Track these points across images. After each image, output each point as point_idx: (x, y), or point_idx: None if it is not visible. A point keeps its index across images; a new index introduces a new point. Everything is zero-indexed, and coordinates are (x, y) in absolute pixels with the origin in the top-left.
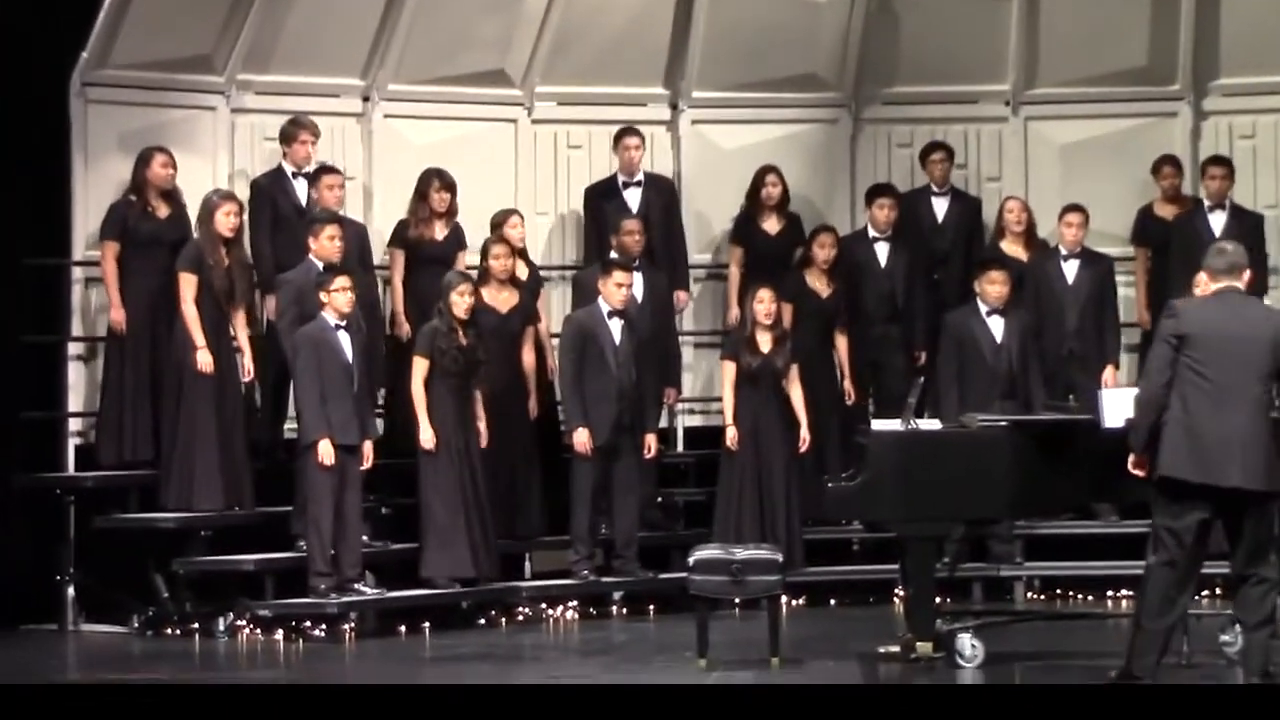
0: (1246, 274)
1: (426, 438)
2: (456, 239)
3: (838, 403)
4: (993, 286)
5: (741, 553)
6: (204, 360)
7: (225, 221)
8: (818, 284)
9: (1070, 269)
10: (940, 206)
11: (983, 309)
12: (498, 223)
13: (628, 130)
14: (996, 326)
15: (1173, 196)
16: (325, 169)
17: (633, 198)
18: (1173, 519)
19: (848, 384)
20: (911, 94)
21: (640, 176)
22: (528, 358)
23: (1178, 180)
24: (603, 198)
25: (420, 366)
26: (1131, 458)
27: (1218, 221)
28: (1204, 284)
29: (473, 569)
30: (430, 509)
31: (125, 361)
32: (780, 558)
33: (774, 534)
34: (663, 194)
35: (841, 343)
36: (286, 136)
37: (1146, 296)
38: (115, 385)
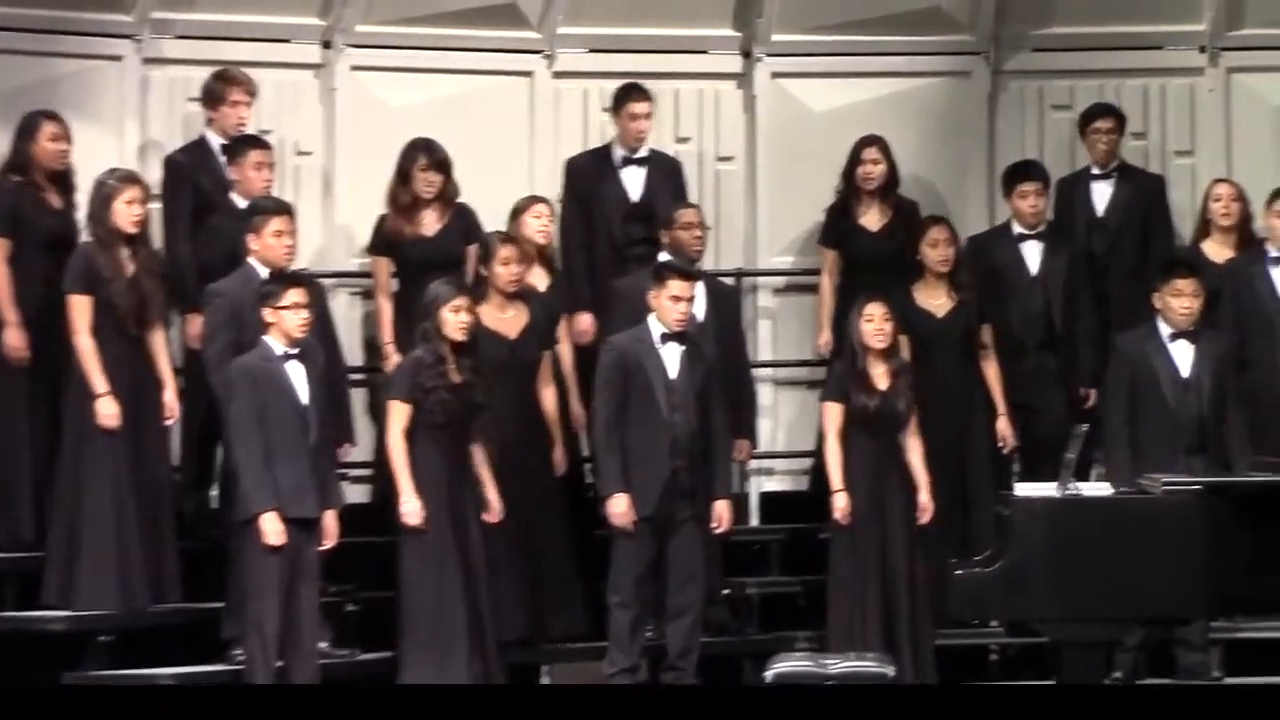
0: None
1: (409, 510)
2: (460, 231)
3: (974, 455)
4: (1179, 300)
5: (839, 664)
6: (106, 412)
7: (126, 214)
8: (931, 299)
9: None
10: (1103, 193)
11: (1164, 331)
12: (518, 211)
13: (634, 90)
14: (1184, 355)
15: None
16: (249, 141)
17: (632, 180)
18: None
19: (1003, 425)
20: (1072, 37)
21: (646, 152)
22: (547, 397)
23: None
24: (590, 177)
25: (399, 414)
26: None
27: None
28: None
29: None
30: (412, 605)
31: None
32: (893, 671)
33: (896, 638)
34: (670, 179)
35: (991, 372)
36: (212, 96)
37: None
38: None
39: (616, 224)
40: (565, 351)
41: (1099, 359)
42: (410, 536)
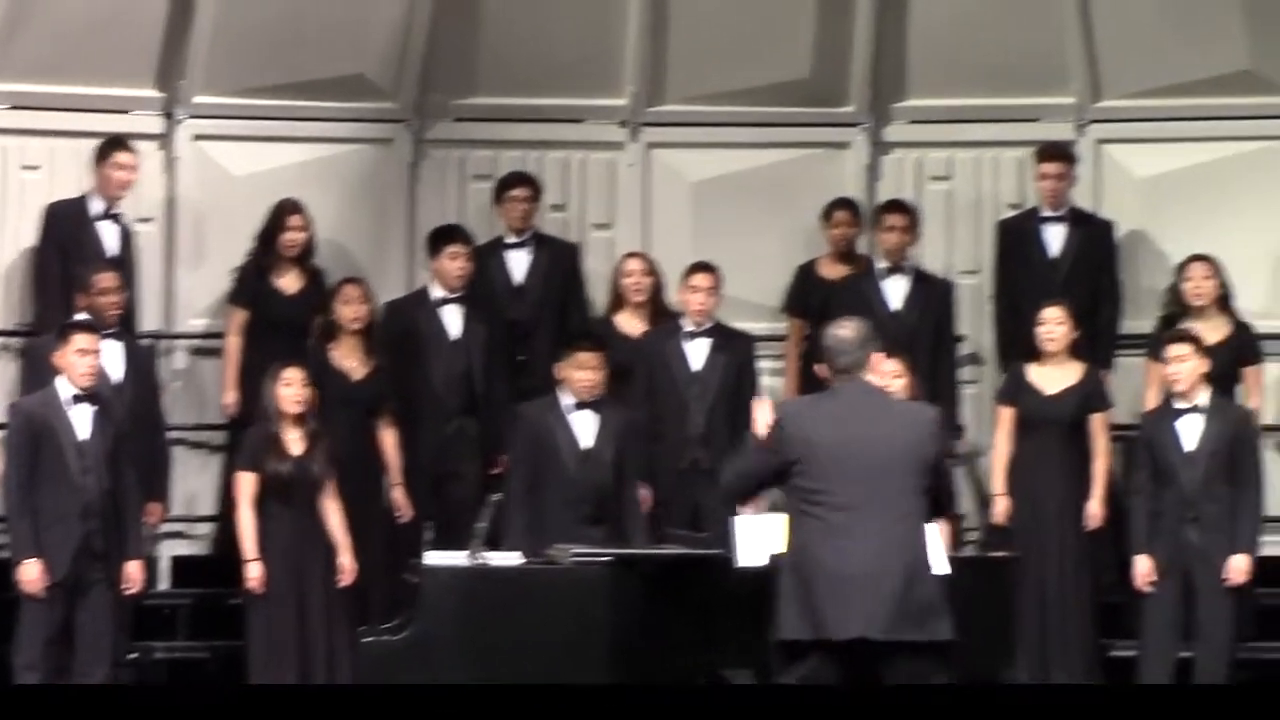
0: (887, 362)
1: (251, 575)
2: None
3: (384, 524)
4: (580, 372)
5: None
6: None
7: None
8: (347, 360)
9: (697, 350)
10: (520, 260)
11: (565, 402)
12: None
13: (116, 144)
14: (585, 426)
15: (845, 252)
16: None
17: (108, 235)
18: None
19: (396, 494)
20: (495, 107)
21: (120, 209)
22: (387, 438)
23: (853, 231)
24: (66, 229)
25: (246, 483)
26: None
27: (895, 288)
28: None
29: None
30: (255, 665)
31: None
32: None
33: None
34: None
35: (389, 439)
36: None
37: (798, 383)
38: None
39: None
40: None
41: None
42: (253, 599)
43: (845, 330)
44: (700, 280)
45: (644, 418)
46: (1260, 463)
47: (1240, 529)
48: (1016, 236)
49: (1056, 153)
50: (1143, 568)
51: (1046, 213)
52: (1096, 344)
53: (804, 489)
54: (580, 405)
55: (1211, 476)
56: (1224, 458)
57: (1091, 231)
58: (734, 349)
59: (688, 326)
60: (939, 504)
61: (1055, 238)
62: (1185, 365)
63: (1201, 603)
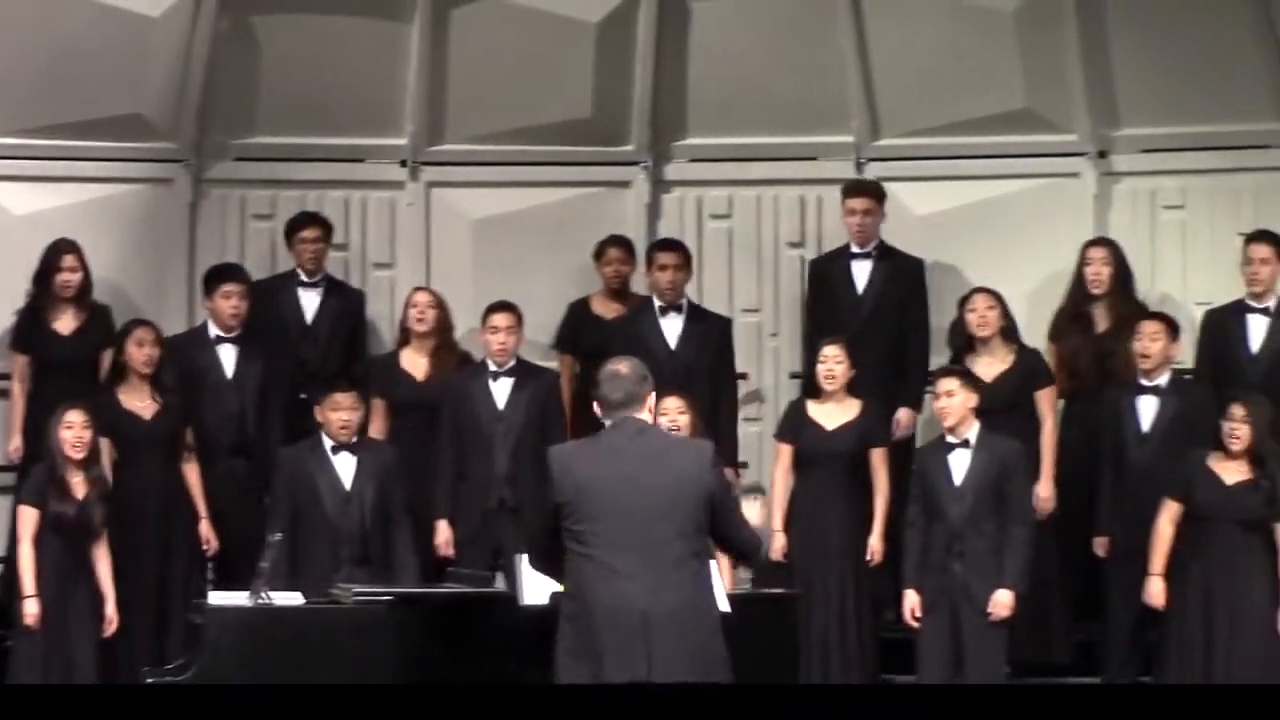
0: (670, 399)
1: (27, 611)
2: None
3: (174, 561)
4: (337, 414)
5: None
6: None
7: None
8: (136, 401)
9: (501, 390)
10: (311, 300)
11: (327, 444)
12: None
13: None
14: (345, 468)
15: (618, 290)
16: None
17: None
18: None
19: (203, 528)
20: (275, 147)
21: None
22: (190, 472)
23: (625, 269)
24: None
25: (27, 518)
26: None
27: (671, 326)
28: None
29: None
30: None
31: None
32: None
33: None
34: None
35: (193, 476)
36: None
37: (572, 421)
38: None
39: None
40: None
41: None
42: (23, 633)
43: (620, 367)
44: (500, 320)
45: (447, 457)
46: (1029, 498)
47: (1007, 564)
48: (825, 273)
49: (863, 189)
50: (910, 601)
51: (855, 249)
52: (906, 381)
53: (577, 531)
54: (339, 447)
55: (977, 511)
56: (990, 492)
57: (899, 267)
58: (537, 386)
59: (492, 366)
60: (742, 551)
61: (862, 273)
62: (954, 400)
63: (967, 637)
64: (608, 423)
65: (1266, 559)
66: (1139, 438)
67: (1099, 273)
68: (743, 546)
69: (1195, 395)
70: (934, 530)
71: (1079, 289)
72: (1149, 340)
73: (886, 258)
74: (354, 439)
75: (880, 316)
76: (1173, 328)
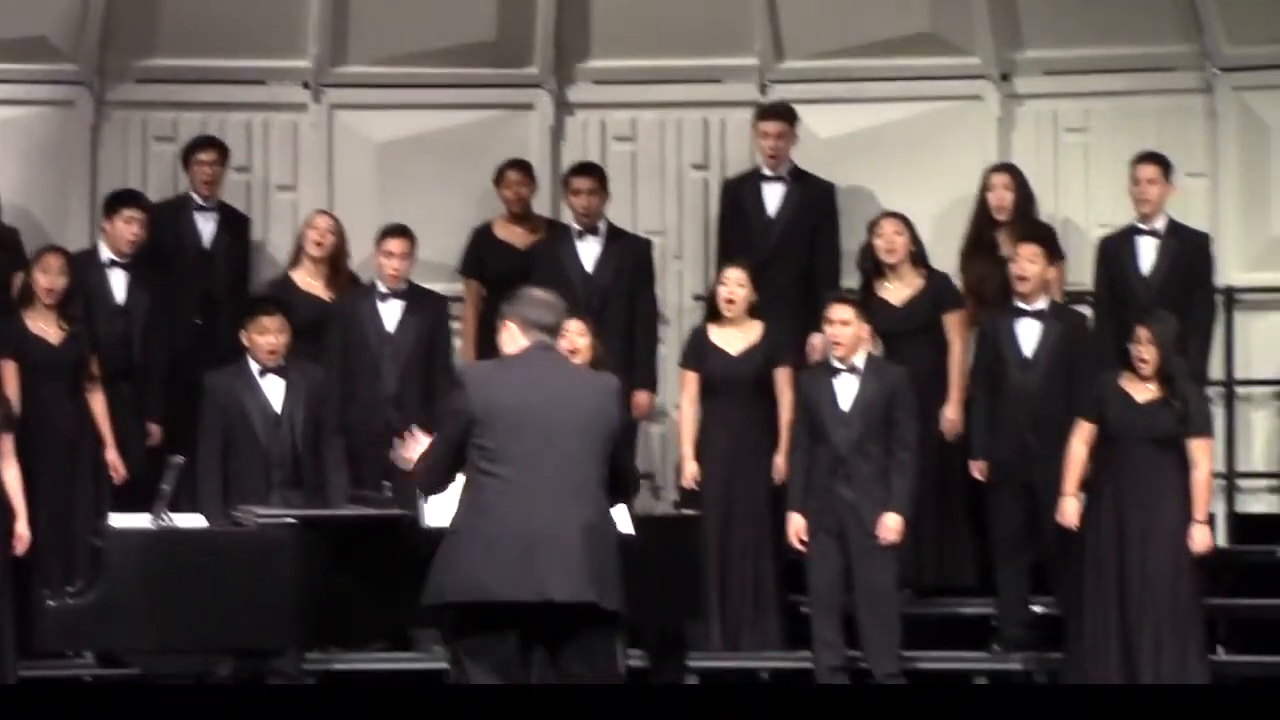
0: (573, 322)
1: None
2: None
3: (79, 486)
4: (264, 338)
5: None
6: None
7: None
8: (44, 326)
9: (390, 312)
10: (207, 226)
11: (254, 368)
12: None
13: None
14: (274, 391)
15: (520, 214)
16: None
17: None
18: (482, 654)
19: (110, 455)
20: (177, 69)
21: None
22: (96, 400)
23: (525, 191)
24: None
25: None
26: None
27: (588, 250)
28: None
29: None
30: None
31: None
32: None
33: None
34: None
35: (96, 402)
36: None
37: (476, 345)
38: None
39: None
40: None
41: (171, 392)
42: None
43: (546, 295)
44: (395, 245)
45: (335, 377)
46: (915, 424)
47: (894, 488)
48: (736, 196)
49: (776, 112)
50: (795, 525)
51: (766, 172)
52: (818, 305)
53: (484, 448)
54: (265, 370)
55: (866, 436)
56: (879, 418)
57: (811, 190)
58: (427, 310)
59: (380, 288)
60: (620, 488)
61: (774, 197)
62: (848, 329)
63: (856, 559)
64: (523, 342)
65: (1179, 476)
66: (1021, 362)
67: (1002, 198)
68: (622, 485)
69: (1074, 319)
70: (818, 453)
71: (983, 214)
72: (1026, 263)
73: (799, 181)
74: (281, 362)
75: (791, 240)
76: (1052, 250)
